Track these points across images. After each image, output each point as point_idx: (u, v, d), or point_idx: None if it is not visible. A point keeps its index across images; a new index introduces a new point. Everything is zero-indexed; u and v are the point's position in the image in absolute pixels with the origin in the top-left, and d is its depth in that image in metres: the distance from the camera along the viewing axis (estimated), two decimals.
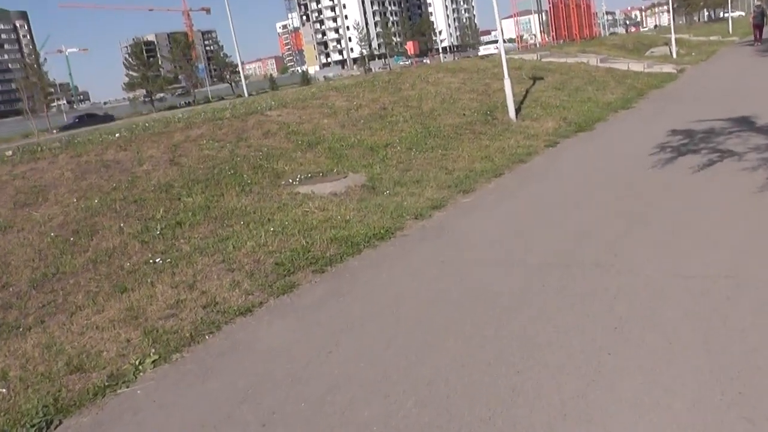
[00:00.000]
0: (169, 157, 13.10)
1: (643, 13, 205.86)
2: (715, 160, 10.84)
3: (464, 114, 18.11)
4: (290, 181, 12.09)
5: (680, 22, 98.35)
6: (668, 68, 31.26)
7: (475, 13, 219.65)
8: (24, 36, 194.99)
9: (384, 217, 9.91)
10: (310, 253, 8.64)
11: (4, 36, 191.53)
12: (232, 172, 12.41)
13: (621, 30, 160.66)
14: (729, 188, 9.10)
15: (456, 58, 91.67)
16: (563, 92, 22.37)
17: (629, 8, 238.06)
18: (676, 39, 41.66)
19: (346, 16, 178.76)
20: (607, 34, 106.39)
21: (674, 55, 39.53)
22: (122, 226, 10.08)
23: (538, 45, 67.23)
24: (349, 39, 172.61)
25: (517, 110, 18.51)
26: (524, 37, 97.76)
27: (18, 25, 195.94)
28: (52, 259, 9.22)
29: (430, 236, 9.09)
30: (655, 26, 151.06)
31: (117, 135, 15.05)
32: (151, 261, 8.90)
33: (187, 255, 8.99)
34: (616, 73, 28.23)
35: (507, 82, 18.31)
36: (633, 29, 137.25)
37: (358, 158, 13.70)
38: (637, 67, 30.98)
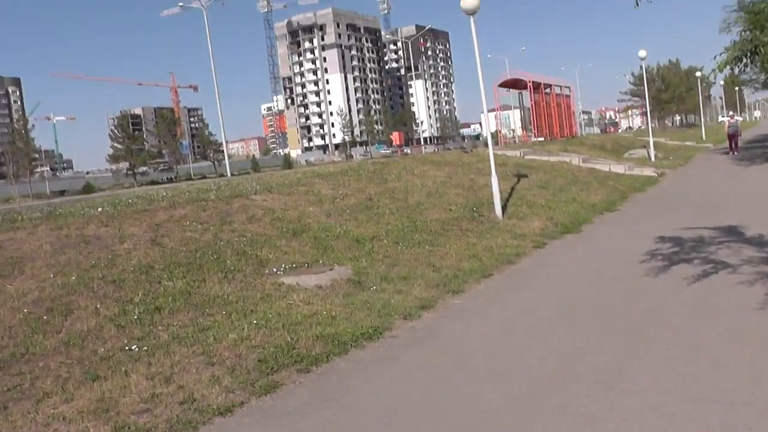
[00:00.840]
0: (151, 237, 12.65)
1: (618, 114, 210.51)
2: (709, 271, 10.58)
3: (450, 209, 17.89)
4: (274, 270, 11.67)
5: (653, 125, 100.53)
6: (648, 171, 31.51)
7: (455, 105, 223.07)
8: (15, 102, 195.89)
9: (371, 315, 9.50)
10: (295, 350, 8.21)
11: None
12: (215, 257, 11.97)
13: (596, 129, 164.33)
14: (730, 304, 8.80)
15: (437, 149, 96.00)
16: (548, 191, 22.30)
17: (604, 108, 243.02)
18: (653, 142, 42.22)
19: (330, 102, 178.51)
20: (584, 133, 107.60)
21: (653, 158, 40.00)
22: (98, 307, 9.60)
23: (517, 141, 66.47)
24: (332, 124, 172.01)
25: (504, 208, 18.33)
26: (504, 132, 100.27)
27: (10, 90, 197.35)
28: (23, 338, 8.70)
29: (421, 340, 8.67)
30: (629, 128, 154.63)
31: (99, 209, 14.60)
32: (126, 348, 8.43)
33: (164, 344, 8.52)
34: (598, 174, 28.37)
35: (494, 180, 18.17)
36: (612, 129, 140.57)
37: (343, 250, 13.33)
38: (618, 168, 31.19)
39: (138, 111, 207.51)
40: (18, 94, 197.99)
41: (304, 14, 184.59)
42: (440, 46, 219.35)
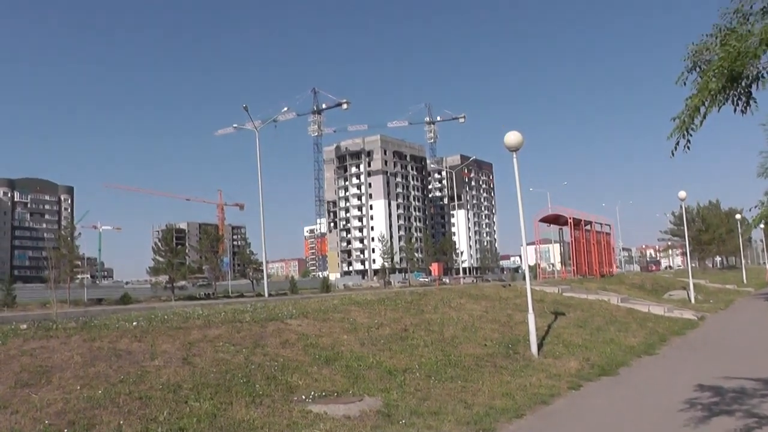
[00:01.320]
0: (182, 355, 12.60)
1: (658, 253, 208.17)
2: (752, 426, 10.15)
3: (485, 344, 17.63)
4: (303, 397, 11.48)
5: (693, 265, 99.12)
6: (688, 314, 30.90)
7: (496, 236, 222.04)
8: (65, 209, 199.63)
9: None
10: None
11: (47, 207, 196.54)
12: (245, 380, 11.85)
13: (636, 267, 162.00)
14: None
15: (476, 281, 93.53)
16: (585, 330, 21.92)
17: (644, 246, 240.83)
18: (693, 284, 41.55)
19: (372, 227, 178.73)
20: (623, 270, 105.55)
21: (693, 301, 39.31)
22: (121, 423, 9.43)
23: (557, 275, 66.57)
24: (373, 250, 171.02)
25: (540, 346, 18.01)
26: (543, 266, 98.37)
27: (63, 198, 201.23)
28: None
29: None
30: (669, 267, 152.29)
31: (134, 323, 14.65)
32: None
33: None
34: (637, 315, 27.88)
35: (531, 317, 17.96)
36: (654, 267, 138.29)
37: (375, 380, 13.12)
38: (657, 310, 30.67)
39: (183, 225, 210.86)
40: (69, 201, 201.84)
41: (353, 140, 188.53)
42: (484, 177, 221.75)
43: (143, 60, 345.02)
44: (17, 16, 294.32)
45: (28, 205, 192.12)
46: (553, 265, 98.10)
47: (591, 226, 53.13)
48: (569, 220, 49.05)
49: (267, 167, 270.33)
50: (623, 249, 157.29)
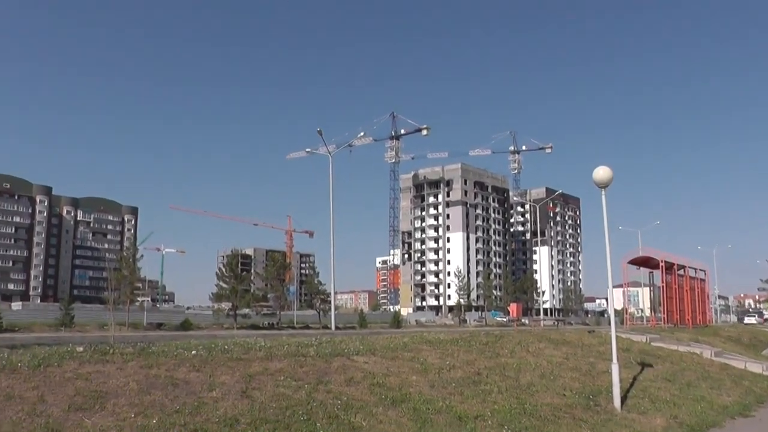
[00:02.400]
0: (241, 388, 12.63)
1: (758, 304, 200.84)
2: None
3: (564, 394, 17.20)
4: None
5: None
6: None
7: (581, 276, 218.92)
8: (129, 230, 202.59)
9: None
10: None
11: (110, 227, 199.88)
12: (305, 417, 11.78)
13: (733, 317, 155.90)
14: None
15: (557, 324, 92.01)
16: (674, 385, 21.22)
17: (743, 295, 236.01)
18: None
19: (449, 261, 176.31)
20: (719, 321, 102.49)
21: None
22: None
23: (645, 322, 64.28)
24: (448, 285, 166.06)
25: (623, 399, 17.47)
26: (631, 311, 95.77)
27: (126, 219, 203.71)
28: None
29: None
30: None
31: (193, 352, 14.77)
32: None
33: None
34: (732, 372, 26.89)
35: (615, 368, 17.46)
36: (761, 319, 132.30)
37: (443, 426, 12.89)
38: (755, 367, 29.41)
39: (249, 251, 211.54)
40: (133, 222, 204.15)
41: (432, 168, 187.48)
42: (570, 213, 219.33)
43: (214, 77, 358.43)
44: (93, 33, 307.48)
45: (91, 225, 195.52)
46: (641, 311, 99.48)
47: (684, 271, 51.95)
48: (661, 264, 48.19)
49: (339, 194, 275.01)
50: (719, 297, 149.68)
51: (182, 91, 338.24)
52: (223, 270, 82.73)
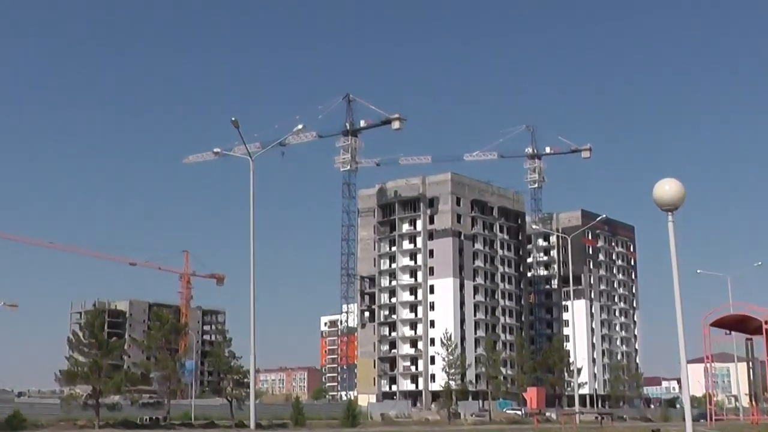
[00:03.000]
0: None
1: None
2: None
3: None
4: None
5: None
6: None
7: (637, 346, 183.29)
8: None
9: None
10: None
11: None
12: None
13: None
14: None
15: (602, 419, 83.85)
16: None
17: None
18: None
19: (432, 323, 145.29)
20: None
21: None
22: None
23: (742, 416, 65.74)
24: (431, 359, 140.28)
25: None
26: (718, 398, 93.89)
27: None
28: None
29: None
30: None
31: None
32: None
33: None
34: None
35: None
36: None
37: None
38: None
39: (122, 305, 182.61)
40: None
41: (407, 180, 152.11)
42: (619, 248, 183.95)
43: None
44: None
45: None
46: (735, 398, 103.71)
47: None
48: (764, 326, 43.46)
49: (266, 219, 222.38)
50: None
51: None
52: (80, 335, 69.13)
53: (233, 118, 45.30)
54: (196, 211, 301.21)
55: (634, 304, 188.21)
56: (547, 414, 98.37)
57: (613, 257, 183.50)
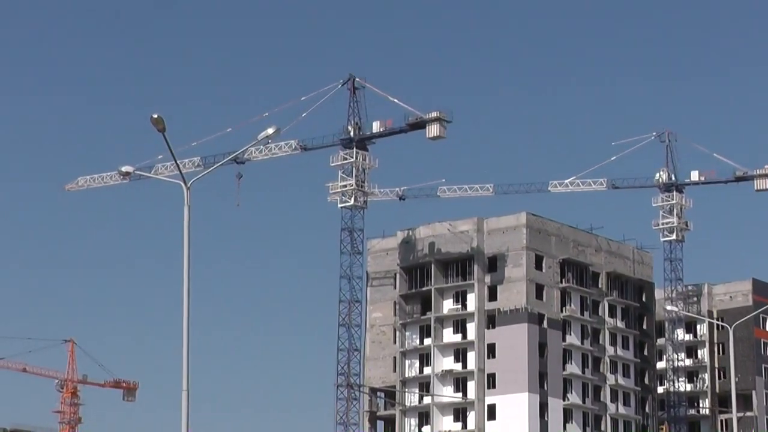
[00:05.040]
0: None
1: None
2: None
3: None
4: None
5: None
6: None
7: None
8: None
9: None
10: None
11: None
12: None
13: None
14: None
15: None
16: None
17: None
18: None
19: None
20: None
21: None
22: None
23: None
24: None
25: None
26: None
27: None
28: None
29: None
30: None
31: None
32: None
33: None
34: None
35: None
36: None
37: None
38: None
39: None
40: None
41: (451, 225, 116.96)
42: None
43: None
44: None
45: None
46: None
47: None
48: None
49: (211, 288, 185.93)
50: None
51: None
52: None
53: (155, 116, 29.12)
54: (89, 276, 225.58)
55: None
56: None
57: None
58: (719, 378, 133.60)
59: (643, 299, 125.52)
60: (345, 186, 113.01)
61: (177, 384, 27.99)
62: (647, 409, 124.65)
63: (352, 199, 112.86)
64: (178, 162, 32.64)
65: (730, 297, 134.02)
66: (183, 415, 29.73)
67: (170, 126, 23.97)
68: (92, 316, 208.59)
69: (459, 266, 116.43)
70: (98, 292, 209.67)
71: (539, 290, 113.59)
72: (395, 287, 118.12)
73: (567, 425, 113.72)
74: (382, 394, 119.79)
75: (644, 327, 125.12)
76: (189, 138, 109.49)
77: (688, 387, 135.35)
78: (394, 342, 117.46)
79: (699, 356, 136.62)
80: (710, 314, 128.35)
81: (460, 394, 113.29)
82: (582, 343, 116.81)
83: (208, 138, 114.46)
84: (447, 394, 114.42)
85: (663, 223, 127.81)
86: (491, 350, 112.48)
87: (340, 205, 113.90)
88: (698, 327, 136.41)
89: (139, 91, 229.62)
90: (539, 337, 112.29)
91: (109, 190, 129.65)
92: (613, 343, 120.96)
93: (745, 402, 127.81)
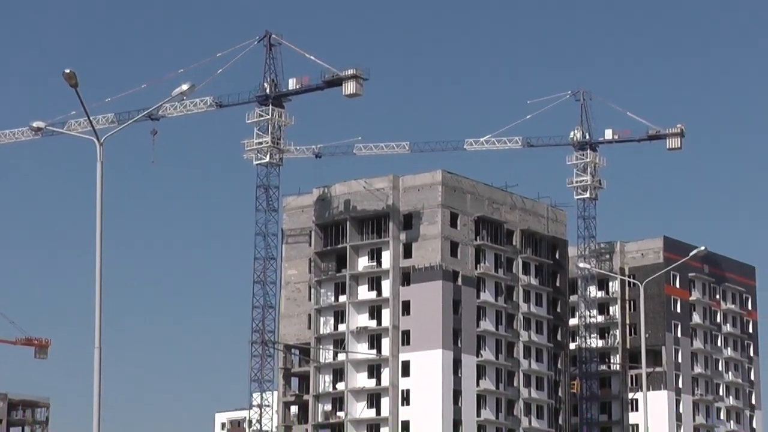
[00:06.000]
0: None
1: None
2: None
3: None
4: None
5: None
6: None
7: None
8: None
9: None
10: None
11: None
12: None
13: None
14: None
15: None
16: None
17: None
18: None
19: (405, 425, 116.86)
20: None
21: None
22: None
23: None
24: None
25: None
26: None
27: None
28: None
29: None
30: None
31: None
32: None
33: None
34: None
35: None
36: None
37: None
38: None
39: None
40: None
41: (367, 182, 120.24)
42: (728, 304, 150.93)
43: None
44: None
45: None
46: None
47: None
48: None
49: (125, 245, 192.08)
50: None
51: None
52: None
53: (67, 71, 29.71)
54: (0, 232, 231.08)
55: (752, 400, 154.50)
56: None
57: (718, 319, 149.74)
58: (630, 334, 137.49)
59: (557, 257, 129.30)
60: (261, 143, 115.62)
61: (90, 341, 26.10)
62: (560, 365, 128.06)
63: (268, 156, 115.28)
64: (90, 118, 33.67)
65: (642, 254, 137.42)
66: (95, 373, 29.63)
67: (84, 82, 25.74)
68: (3, 273, 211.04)
69: (374, 224, 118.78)
70: (9, 248, 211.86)
71: (454, 248, 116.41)
72: (310, 244, 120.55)
73: (480, 381, 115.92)
74: (297, 351, 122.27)
75: (557, 284, 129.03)
76: (103, 94, 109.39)
77: (600, 343, 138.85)
78: (309, 299, 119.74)
79: (611, 313, 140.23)
80: (622, 271, 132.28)
81: (374, 351, 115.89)
82: (496, 300, 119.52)
83: (123, 94, 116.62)
84: (362, 350, 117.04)
85: (577, 182, 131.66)
86: (406, 307, 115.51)
87: (255, 162, 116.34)
88: (610, 284, 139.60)
89: (53, 46, 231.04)
90: (453, 295, 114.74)
91: (21, 146, 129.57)
92: (527, 300, 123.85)
93: (655, 357, 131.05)
